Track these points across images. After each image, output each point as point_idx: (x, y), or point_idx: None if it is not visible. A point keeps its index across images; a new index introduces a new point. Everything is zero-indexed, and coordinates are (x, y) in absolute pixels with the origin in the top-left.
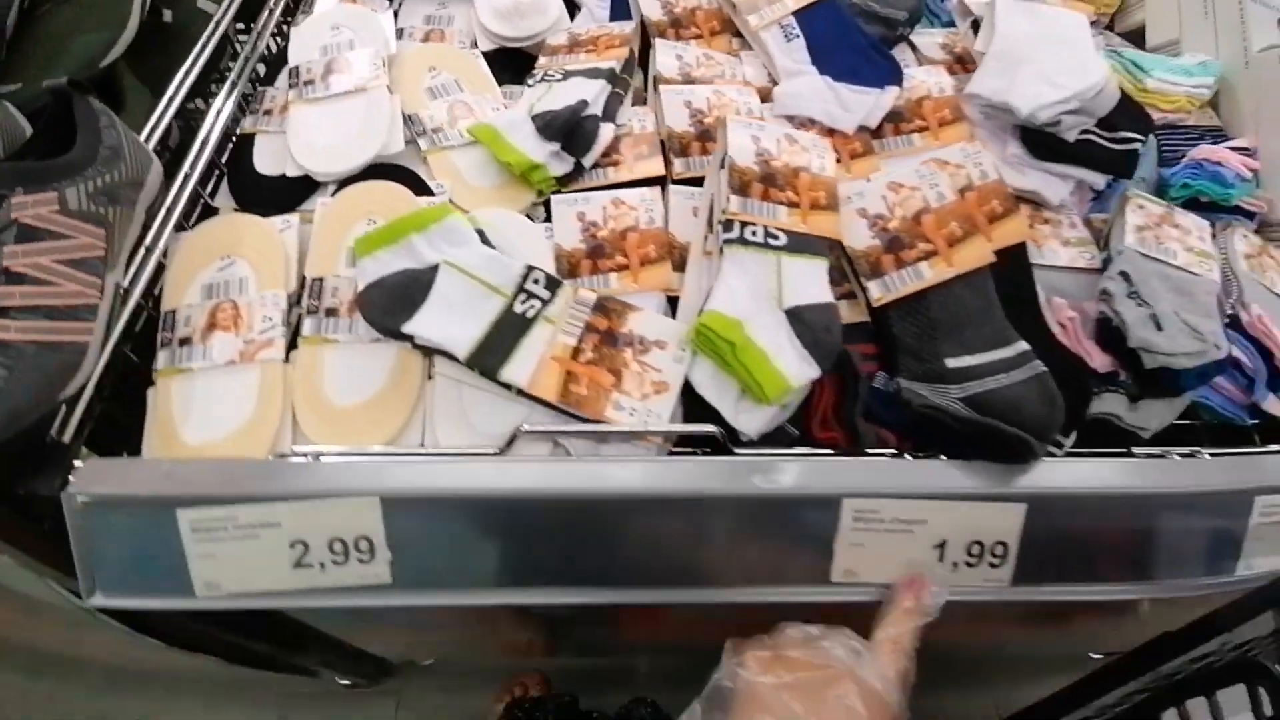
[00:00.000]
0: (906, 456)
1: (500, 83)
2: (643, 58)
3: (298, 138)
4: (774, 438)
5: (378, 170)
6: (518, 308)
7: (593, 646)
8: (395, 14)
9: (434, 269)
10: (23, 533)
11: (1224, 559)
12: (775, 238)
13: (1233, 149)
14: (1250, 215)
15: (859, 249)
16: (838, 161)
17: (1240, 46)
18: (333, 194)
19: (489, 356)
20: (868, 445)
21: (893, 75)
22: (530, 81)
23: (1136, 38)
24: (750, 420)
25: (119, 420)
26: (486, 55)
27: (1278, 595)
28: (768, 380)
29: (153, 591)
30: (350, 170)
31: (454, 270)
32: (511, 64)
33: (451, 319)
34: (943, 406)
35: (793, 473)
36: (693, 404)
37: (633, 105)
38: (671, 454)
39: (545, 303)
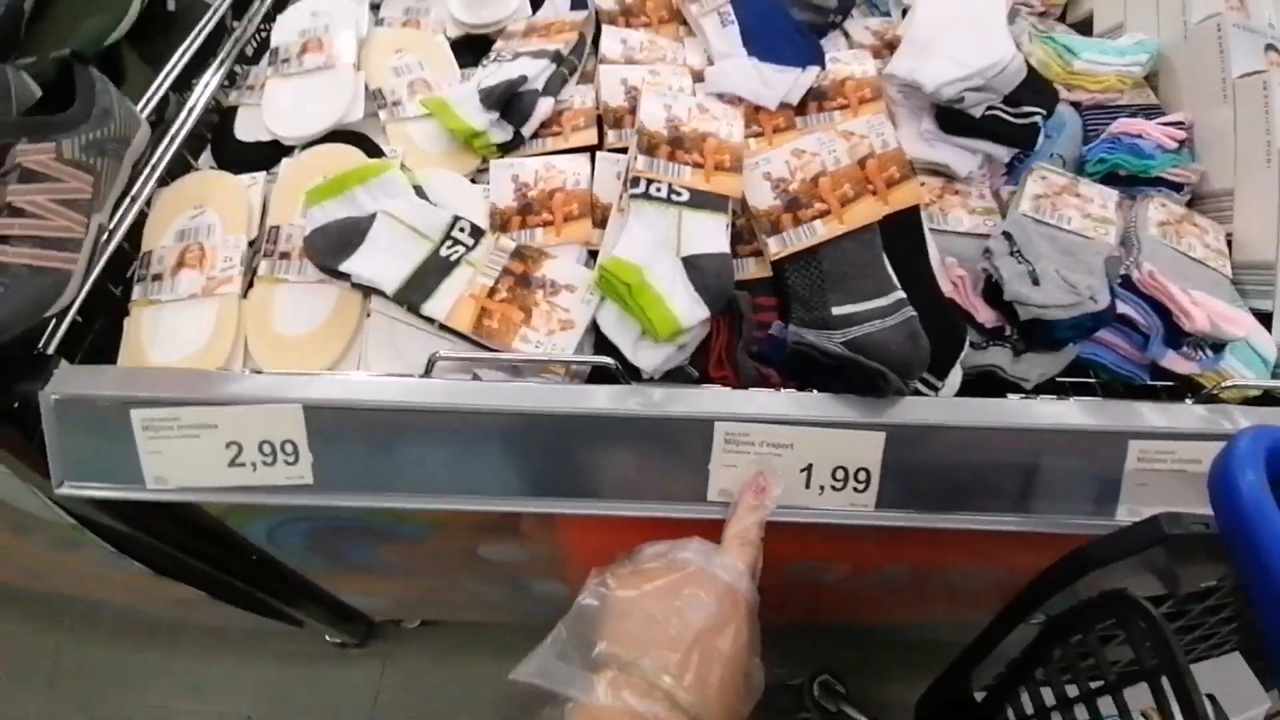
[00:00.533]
0: (781, 391)
1: (464, 66)
2: (598, 44)
3: (270, 107)
4: (674, 376)
5: (338, 136)
6: (443, 252)
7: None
8: (378, 5)
9: (372, 217)
10: (13, 442)
11: (1102, 501)
12: (678, 194)
13: (1163, 124)
14: (1178, 188)
15: (761, 209)
16: (760, 135)
17: (1180, 21)
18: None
19: (414, 293)
20: (747, 379)
21: (815, 56)
22: (485, 62)
23: (1087, 29)
24: (648, 357)
25: (102, 348)
26: (454, 42)
27: (1153, 533)
28: (660, 319)
29: (111, 481)
30: (312, 134)
31: (388, 218)
32: (476, 49)
33: (383, 260)
34: (813, 343)
35: (670, 398)
36: (601, 344)
37: (579, 84)
38: None
39: (469, 249)
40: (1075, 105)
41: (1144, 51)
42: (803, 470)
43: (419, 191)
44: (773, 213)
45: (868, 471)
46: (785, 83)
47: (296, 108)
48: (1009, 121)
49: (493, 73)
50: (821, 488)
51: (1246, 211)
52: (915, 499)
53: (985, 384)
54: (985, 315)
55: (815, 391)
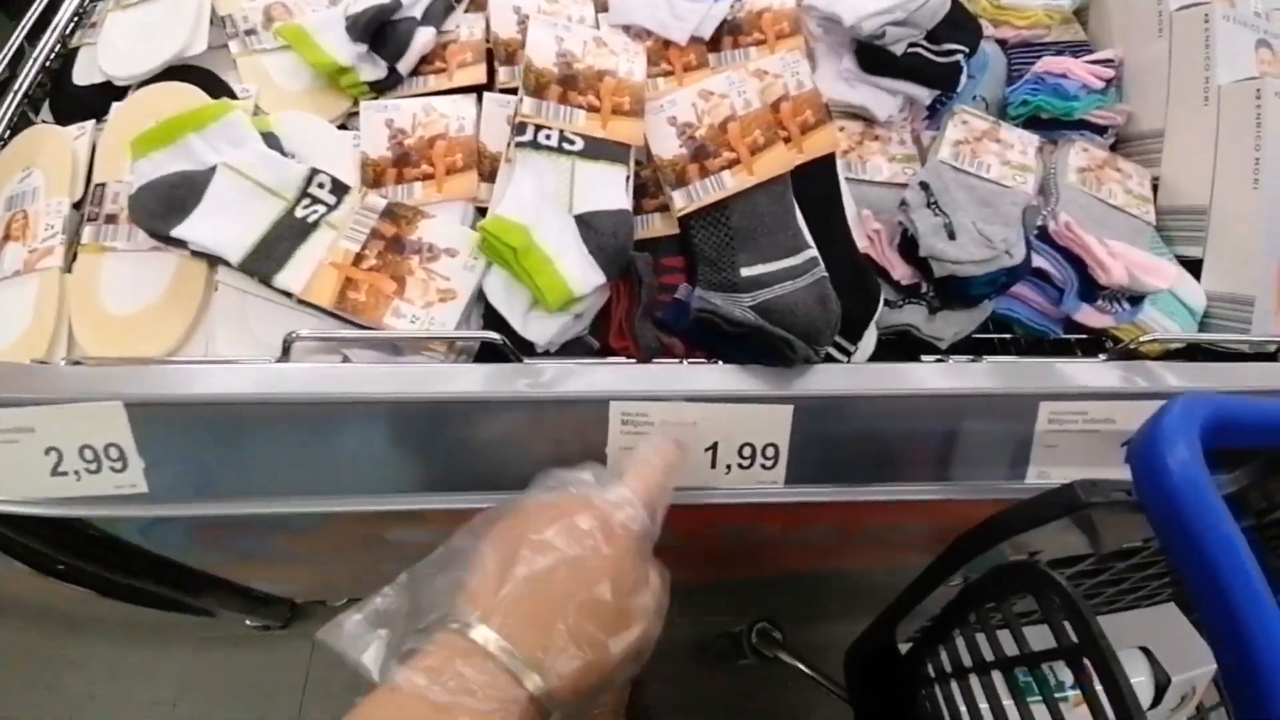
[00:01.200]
0: (683, 362)
1: None
2: None
3: (105, 43)
4: (572, 349)
5: (180, 73)
6: (299, 212)
7: None
8: None
9: (211, 170)
10: None
11: (1013, 465)
12: (570, 142)
13: (1092, 62)
14: (1101, 130)
15: (666, 158)
16: (669, 74)
17: None
18: None
19: (264, 261)
20: (647, 350)
21: None
22: None
23: None
24: (540, 329)
25: None
26: None
27: (1070, 501)
28: (550, 286)
29: None
30: (147, 72)
31: (231, 171)
32: None
33: (226, 222)
34: (715, 309)
35: (560, 376)
36: (490, 317)
37: (468, 10)
38: None
39: (330, 208)
40: (1001, 43)
41: None
42: (707, 449)
43: (270, 140)
44: (678, 163)
45: (776, 447)
46: (696, 13)
47: (133, 43)
48: (931, 60)
49: None
50: (729, 466)
51: (1177, 153)
52: (826, 471)
53: (900, 344)
54: (901, 271)
55: (719, 363)
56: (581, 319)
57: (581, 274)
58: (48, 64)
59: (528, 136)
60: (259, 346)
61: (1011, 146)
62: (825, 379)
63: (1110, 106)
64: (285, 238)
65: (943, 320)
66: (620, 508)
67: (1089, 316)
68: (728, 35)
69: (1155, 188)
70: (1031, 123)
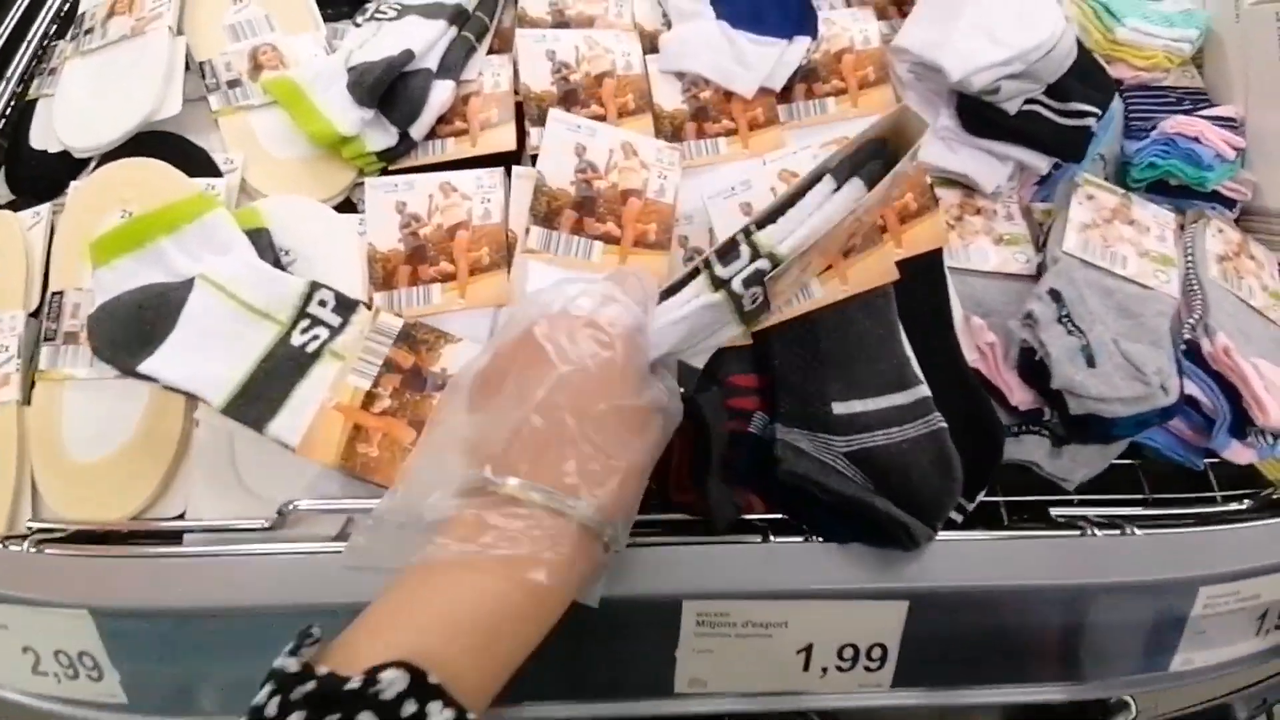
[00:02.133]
0: (768, 538)
1: (336, 16)
2: None
3: (64, 99)
4: None
5: (148, 140)
6: (296, 339)
7: None
8: None
9: (188, 285)
10: None
11: (1157, 653)
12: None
13: (1212, 119)
14: (1230, 203)
15: None
16: (732, 132)
17: None
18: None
19: (254, 405)
20: (722, 518)
21: (805, 22)
22: (359, 20)
23: None
24: None
25: None
26: None
27: None
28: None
29: None
30: (110, 142)
31: (211, 288)
32: None
33: (206, 355)
34: (807, 476)
35: (620, 572)
36: None
37: (490, 52)
38: None
39: (334, 331)
40: (1115, 83)
41: (1193, 25)
42: (800, 651)
43: (260, 237)
44: None
45: (884, 648)
46: (767, 60)
47: (94, 100)
48: (1055, 122)
49: (367, 39)
50: (824, 669)
51: None
52: (940, 673)
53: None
54: (1020, 397)
55: (814, 539)
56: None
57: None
58: (4, 116)
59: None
60: (249, 502)
61: (1147, 230)
62: (949, 566)
63: (1238, 177)
64: (280, 373)
65: (1070, 457)
66: (605, 303)
67: (1236, 453)
68: (800, 82)
69: None
70: (1155, 187)
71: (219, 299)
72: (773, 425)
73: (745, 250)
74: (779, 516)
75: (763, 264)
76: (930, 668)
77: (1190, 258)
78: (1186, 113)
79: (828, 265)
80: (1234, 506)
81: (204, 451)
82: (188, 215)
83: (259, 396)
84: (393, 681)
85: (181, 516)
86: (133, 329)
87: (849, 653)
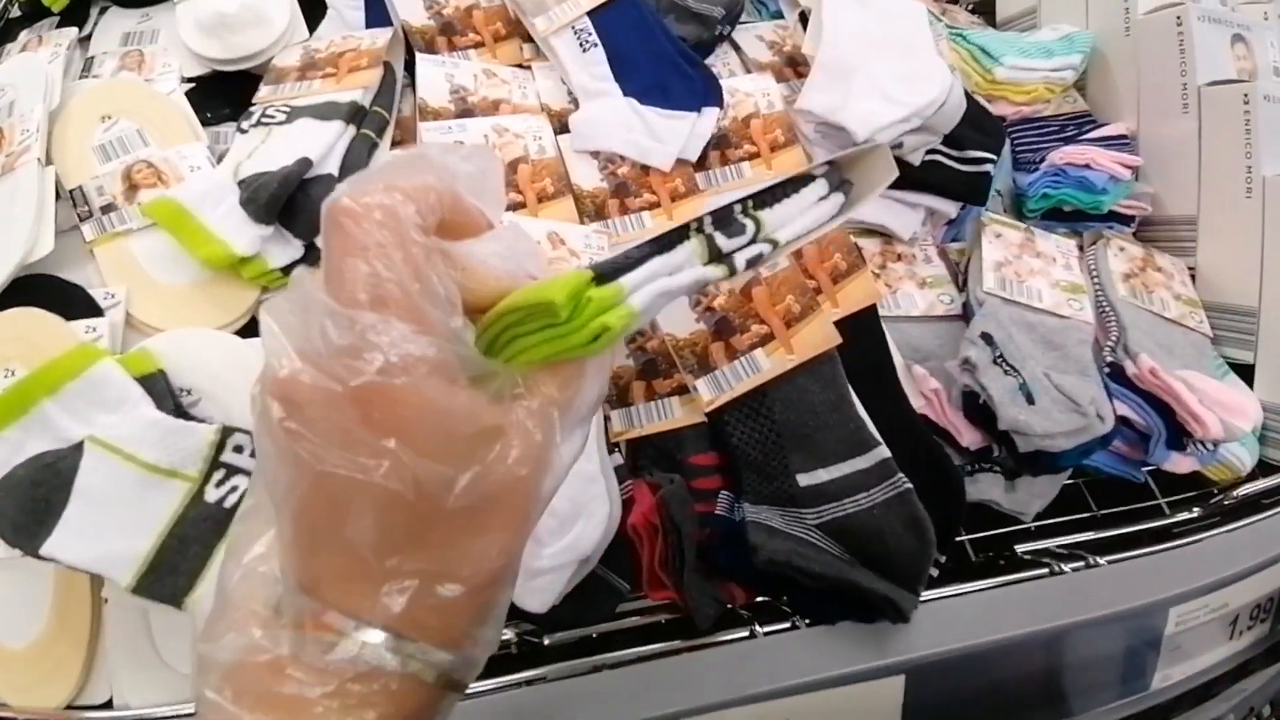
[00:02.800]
0: (757, 631)
1: (217, 120)
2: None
3: None
4: (595, 595)
5: (23, 287)
6: (211, 494)
7: None
8: (88, 38)
9: (77, 451)
10: None
11: (1137, 676)
12: None
13: (1102, 140)
14: (1126, 220)
15: (682, 337)
16: (655, 205)
17: (1120, 9)
18: None
19: (167, 580)
20: (705, 616)
21: (710, 92)
22: (244, 125)
23: (989, 12)
24: (541, 593)
25: None
26: (198, 84)
27: None
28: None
29: None
30: None
31: (104, 450)
32: (232, 91)
33: (106, 528)
34: (788, 563)
35: (605, 701)
36: None
37: (393, 146)
38: None
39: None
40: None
41: (1075, 51)
42: None
43: (154, 382)
44: (698, 341)
45: None
46: (679, 133)
47: None
48: (955, 170)
49: (257, 146)
50: None
51: (1216, 246)
52: None
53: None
54: (969, 438)
55: (801, 623)
56: (589, 561)
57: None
58: None
59: None
60: (175, 682)
61: (1054, 260)
62: (936, 631)
63: (1135, 192)
64: (195, 537)
65: (1025, 490)
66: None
67: (1177, 464)
68: (714, 149)
69: (1192, 276)
70: (1051, 214)
71: (114, 463)
72: (740, 505)
73: (749, 226)
74: (763, 599)
75: (764, 247)
76: None
77: (1097, 281)
78: (1071, 139)
79: (769, 334)
80: (1183, 516)
81: (118, 632)
82: (69, 372)
83: (174, 569)
84: None
85: (109, 704)
86: (27, 507)
87: None
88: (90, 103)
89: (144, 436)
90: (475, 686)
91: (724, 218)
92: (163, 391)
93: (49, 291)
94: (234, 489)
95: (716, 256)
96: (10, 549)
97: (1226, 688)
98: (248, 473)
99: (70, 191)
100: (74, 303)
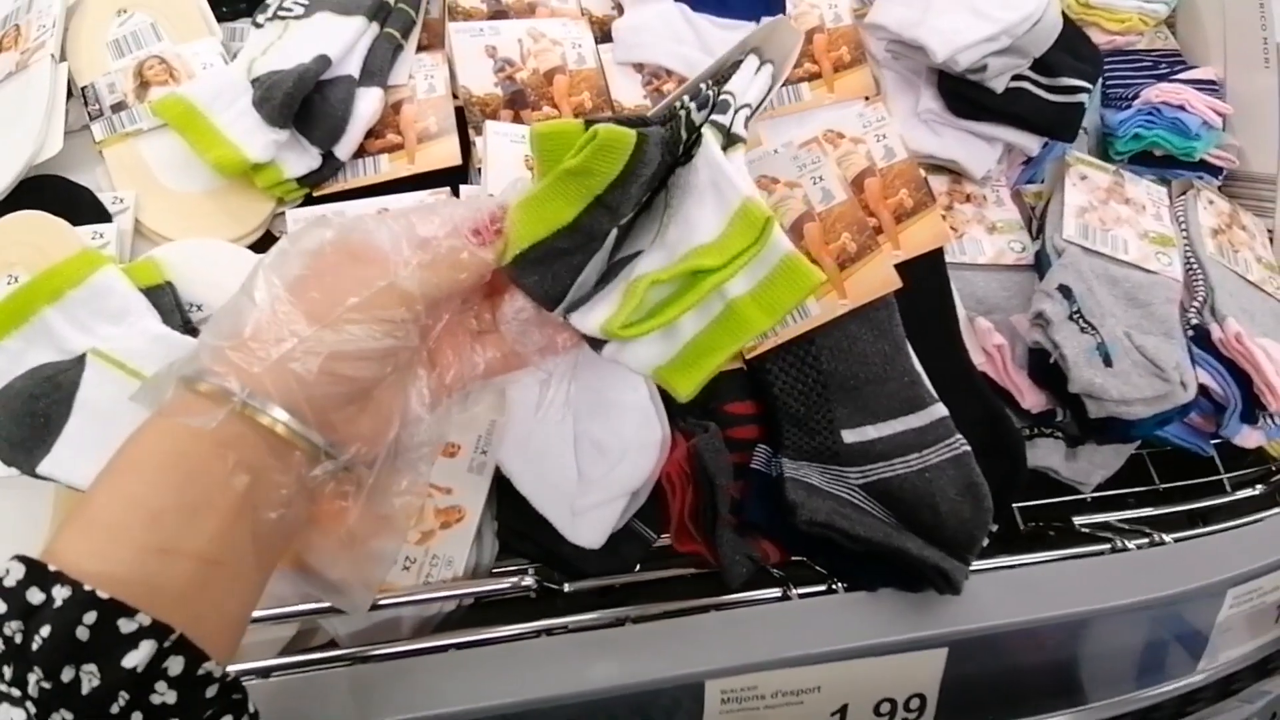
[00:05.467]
0: (791, 592)
1: (234, 15)
2: None
3: None
4: (623, 544)
5: (30, 188)
6: None
7: None
8: None
9: (79, 364)
10: None
11: (1186, 659)
12: None
13: (1194, 83)
14: (1216, 171)
15: None
16: None
17: None
18: None
19: None
20: (737, 575)
21: (772, 0)
22: (259, 19)
23: None
24: (592, 528)
25: None
26: None
27: None
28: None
29: None
30: None
31: (107, 364)
32: None
33: (107, 446)
34: (836, 526)
35: (633, 655)
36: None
37: (421, 50)
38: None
39: None
40: None
41: None
42: (835, 713)
43: (161, 295)
44: None
45: (922, 697)
46: (731, 45)
47: None
48: (1044, 100)
49: (273, 42)
50: None
51: None
52: (981, 711)
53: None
54: (1032, 400)
55: (837, 585)
56: (638, 496)
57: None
58: None
59: None
60: None
61: (1143, 209)
62: (986, 604)
63: (1223, 143)
64: None
65: (1087, 459)
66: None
67: (1246, 438)
68: None
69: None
70: (1137, 158)
71: (117, 378)
72: (778, 459)
73: (728, 100)
74: (796, 559)
75: (746, 112)
76: (971, 708)
77: (1185, 235)
78: (1163, 77)
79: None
80: (1246, 494)
81: None
82: (72, 278)
83: None
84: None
85: None
86: (26, 422)
87: (886, 707)
88: None
89: (148, 351)
90: (491, 631)
91: (705, 100)
92: (170, 305)
93: (57, 193)
94: None
95: (730, 140)
96: (7, 467)
97: (1250, 683)
98: None
99: (82, 89)
100: (81, 206)
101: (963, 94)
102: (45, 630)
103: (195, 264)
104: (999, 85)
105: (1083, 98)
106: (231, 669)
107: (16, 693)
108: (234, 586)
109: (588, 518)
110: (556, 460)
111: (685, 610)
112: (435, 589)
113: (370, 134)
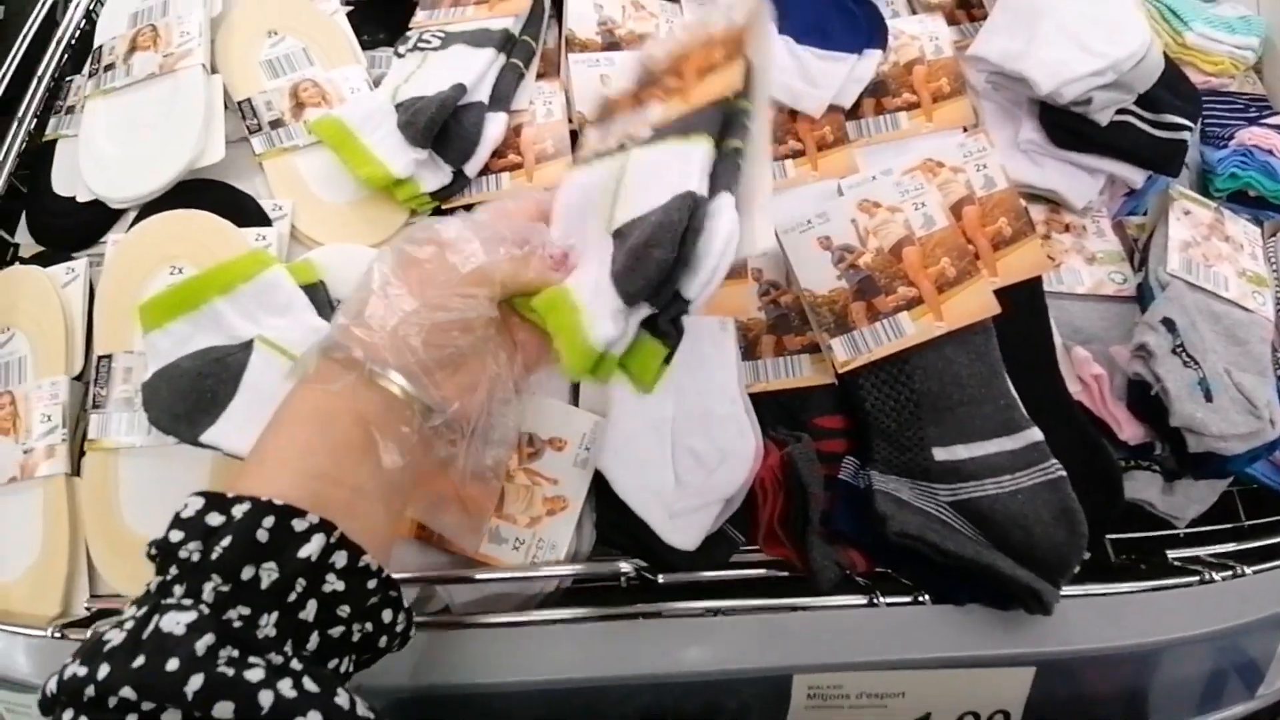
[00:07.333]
0: (878, 600)
1: (373, 44)
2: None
3: (88, 146)
4: (715, 546)
5: (190, 190)
6: None
7: None
8: None
9: (247, 348)
10: None
11: (1248, 684)
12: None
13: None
14: None
15: (821, 294)
16: (800, 154)
17: None
18: (130, 226)
19: None
20: (826, 580)
21: (874, 33)
22: (400, 49)
23: None
24: (687, 530)
25: None
26: (356, 6)
27: None
28: (571, 348)
29: None
30: (150, 193)
31: (271, 351)
32: (388, 15)
33: (267, 420)
34: (928, 540)
35: (724, 643)
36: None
37: (539, 78)
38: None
39: None
40: None
41: (1253, 32)
42: None
43: (316, 292)
44: (838, 299)
45: (1007, 714)
46: (835, 76)
47: (125, 145)
48: (1149, 134)
49: (413, 71)
50: None
51: None
52: None
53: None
54: (1130, 431)
55: (923, 598)
56: (732, 502)
57: (599, 326)
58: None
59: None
60: None
61: (1241, 247)
62: (1076, 628)
63: None
64: None
65: (1184, 494)
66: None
67: None
68: (869, 96)
69: None
70: (1234, 197)
71: (281, 362)
72: (866, 471)
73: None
74: (881, 570)
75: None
76: None
77: (1278, 276)
78: (1254, 120)
79: (918, 297)
80: None
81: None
82: (243, 275)
83: None
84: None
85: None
86: (191, 397)
87: None
88: (257, 16)
89: (306, 341)
90: (587, 610)
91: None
92: (323, 301)
93: (221, 197)
94: None
95: None
96: (154, 437)
97: None
98: None
99: (239, 104)
100: (245, 211)
101: (1066, 125)
102: (225, 541)
103: (344, 265)
104: (1104, 119)
105: (1185, 135)
106: None
107: (189, 602)
108: (376, 509)
109: (684, 521)
110: (657, 470)
111: (774, 608)
112: (541, 568)
113: (494, 154)
